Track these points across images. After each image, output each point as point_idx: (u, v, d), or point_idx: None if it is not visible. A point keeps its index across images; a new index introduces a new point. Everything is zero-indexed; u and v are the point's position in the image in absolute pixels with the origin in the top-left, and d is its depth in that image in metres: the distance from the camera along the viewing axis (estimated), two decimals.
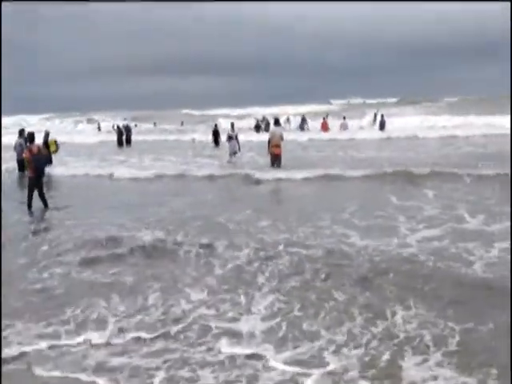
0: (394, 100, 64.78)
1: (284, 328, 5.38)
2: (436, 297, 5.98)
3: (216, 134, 28.62)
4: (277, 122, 18.16)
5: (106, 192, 14.74)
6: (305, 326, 5.41)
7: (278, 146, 17.01)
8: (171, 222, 10.05)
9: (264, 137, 21.06)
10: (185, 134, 39.67)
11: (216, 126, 30.22)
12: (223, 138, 24.02)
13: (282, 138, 17.19)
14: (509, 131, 26.77)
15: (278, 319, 5.58)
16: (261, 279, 6.78)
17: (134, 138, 33.70)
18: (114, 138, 34.51)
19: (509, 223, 8.93)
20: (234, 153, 19.86)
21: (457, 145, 23.72)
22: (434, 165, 15.49)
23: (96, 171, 18.43)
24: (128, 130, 33.98)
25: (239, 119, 40.63)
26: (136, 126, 46.99)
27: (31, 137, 12.19)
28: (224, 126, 33.25)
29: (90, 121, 62.10)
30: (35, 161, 11.80)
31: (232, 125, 21.27)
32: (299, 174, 15.07)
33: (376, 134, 31.10)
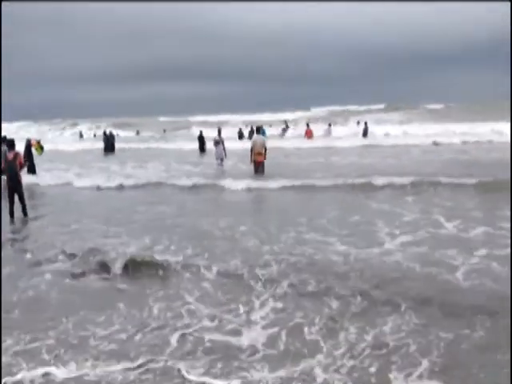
0: (379, 107, 65.13)
1: (284, 339, 5.35)
2: (424, 305, 5.99)
3: (201, 141, 28.70)
4: (259, 131, 18.18)
5: (88, 201, 14.62)
6: (302, 337, 5.37)
7: (261, 153, 17.17)
8: (154, 229, 10.00)
9: (246, 145, 21.12)
10: (168, 141, 39.63)
11: (201, 132, 30.28)
12: (209, 144, 24.10)
13: (264, 146, 17.27)
14: (489, 139, 27.05)
15: (276, 329, 5.57)
16: (255, 287, 6.76)
17: (117, 145, 33.54)
18: (96, 145, 34.46)
19: (485, 229, 9.13)
20: (220, 159, 19.84)
21: (439, 152, 23.92)
22: (413, 173, 15.51)
23: (79, 180, 18.13)
24: (112, 137, 33.96)
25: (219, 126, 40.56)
26: (118, 135, 46.50)
27: (11, 143, 12.10)
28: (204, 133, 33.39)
29: (72, 127, 61.66)
30: (8, 168, 11.75)
31: (219, 130, 21.21)
32: (280, 183, 15.02)
33: (359, 141, 31.23)
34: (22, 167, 12.02)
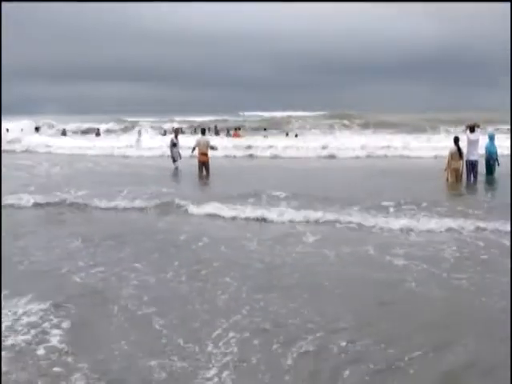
0: (314, 114, 65.19)
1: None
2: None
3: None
4: (203, 132, 19.04)
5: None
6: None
7: (205, 154, 17.79)
8: None
9: None
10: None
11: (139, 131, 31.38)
12: None
13: (208, 147, 17.85)
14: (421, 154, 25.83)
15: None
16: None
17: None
18: None
19: None
20: (174, 160, 19.45)
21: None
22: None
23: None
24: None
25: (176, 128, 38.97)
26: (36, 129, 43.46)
27: None
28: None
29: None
30: None
31: (176, 132, 21.08)
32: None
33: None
34: None
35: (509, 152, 20.65)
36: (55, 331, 5.54)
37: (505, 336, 5.18)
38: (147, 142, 30.23)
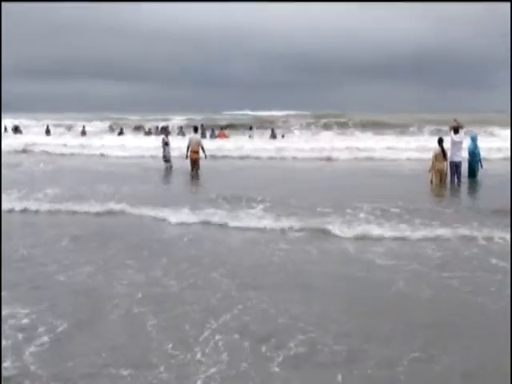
0: (300, 113, 64.85)
1: None
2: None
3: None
4: (196, 130, 19.55)
5: None
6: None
7: (196, 152, 18.08)
8: None
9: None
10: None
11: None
12: None
13: (200, 145, 18.33)
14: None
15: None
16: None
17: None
18: None
19: None
20: (166, 160, 19.48)
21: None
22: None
23: None
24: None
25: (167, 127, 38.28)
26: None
27: None
28: None
29: None
30: None
31: (167, 132, 21.31)
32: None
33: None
34: None
35: (491, 154, 21.00)
36: (33, 333, 5.40)
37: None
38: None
